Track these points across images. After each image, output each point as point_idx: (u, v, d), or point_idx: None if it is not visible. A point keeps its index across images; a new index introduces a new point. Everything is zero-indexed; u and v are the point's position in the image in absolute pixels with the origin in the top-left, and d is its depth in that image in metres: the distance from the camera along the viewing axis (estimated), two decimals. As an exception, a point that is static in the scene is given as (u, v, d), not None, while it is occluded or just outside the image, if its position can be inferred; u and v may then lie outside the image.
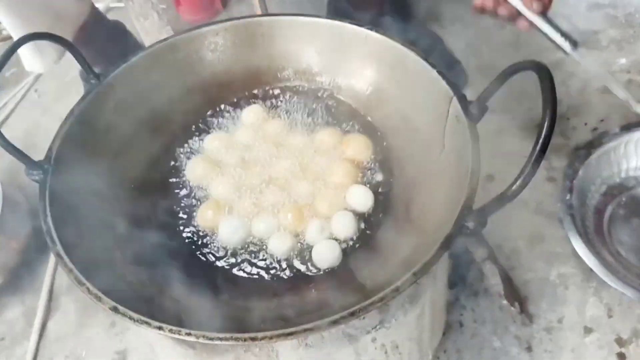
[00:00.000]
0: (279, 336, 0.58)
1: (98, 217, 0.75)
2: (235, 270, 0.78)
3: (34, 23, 1.15)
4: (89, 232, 0.73)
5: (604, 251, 1.20)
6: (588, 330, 1.15)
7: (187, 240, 0.80)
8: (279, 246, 0.78)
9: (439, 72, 0.78)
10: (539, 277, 1.22)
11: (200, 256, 0.79)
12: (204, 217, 0.81)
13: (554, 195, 1.28)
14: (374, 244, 0.78)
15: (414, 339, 0.88)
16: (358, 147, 0.84)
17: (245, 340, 0.58)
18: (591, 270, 1.21)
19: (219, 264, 0.78)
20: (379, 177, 0.84)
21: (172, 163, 0.88)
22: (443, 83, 0.77)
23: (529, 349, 1.15)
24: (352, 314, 0.59)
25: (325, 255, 0.76)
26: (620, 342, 1.14)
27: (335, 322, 0.59)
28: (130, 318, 0.60)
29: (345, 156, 0.85)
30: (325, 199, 0.80)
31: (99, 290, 0.62)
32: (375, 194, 0.82)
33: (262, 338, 0.58)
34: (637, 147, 1.27)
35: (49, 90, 1.80)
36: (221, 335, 0.58)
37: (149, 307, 0.65)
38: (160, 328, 0.59)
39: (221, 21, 0.89)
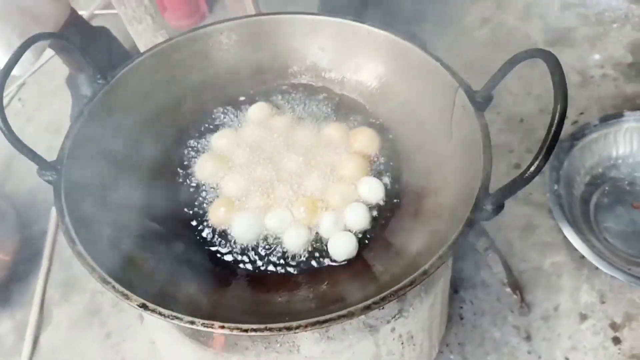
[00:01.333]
0: (314, 324, 0.58)
1: (111, 217, 0.74)
2: (250, 266, 0.77)
3: (8, 27, 1.13)
4: (105, 231, 0.71)
5: (592, 238, 1.23)
6: (583, 317, 1.18)
7: (200, 238, 0.79)
8: (294, 240, 0.77)
9: (443, 64, 0.80)
10: (532, 267, 1.25)
11: (215, 254, 0.78)
12: (216, 215, 0.80)
13: (542, 187, 1.31)
14: (388, 233, 0.78)
15: (426, 329, 0.88)
16: (366, 140, 0.85)
17: (280, 330, 0.58)
18: (582, 257, 1.24)
19: (234, 260, 0.78)
20: (388, 168, 0.85)
21: (180, 162, 0.87)
22: (447, 74, 0.79)
23: (528, 338, 1.17)
24: (384, 299, 0.59)
25: (342, 248, 0.76)
26: (614, 326, 1.16)
27: (368, 307, 0.59)
28: (160, 314, 0.59)
29: (354, 150, 0.85)
30: (337, 191, 0.80)
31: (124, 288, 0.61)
32: (385, 185, 0.83)
33: (297, 327, 0.57)
34: (616, 137, 1.31)
35: (32, 99, 1.75)
36: (255, 326, 0.58)
37: (172, 304, 0.64)
38: (192, 322, 0.58)
39: (225, 20, 0.88)
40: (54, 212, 1.39)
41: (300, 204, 0.80)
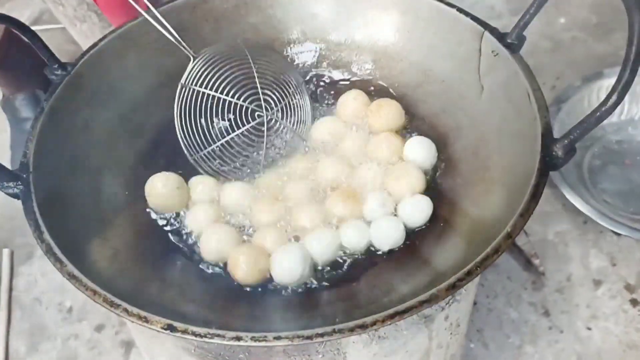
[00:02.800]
0: (392, 316, 0.45)
1: (97, 227, 0.58)
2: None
3: None
4: (94, 244, 0.56)
5: (592, 201, 1.17)
6: (597, 283, 1.12)
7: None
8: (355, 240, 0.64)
9: (460, 10, 0.69)
10: (538, 240, 1.18)
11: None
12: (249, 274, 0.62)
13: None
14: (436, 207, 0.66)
15: (468, 314, 0.78)
16: (391, 114, 0.72)
17: (352, 330, 0.45)
18: (584, 223, 1.19)
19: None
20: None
21: (163, 160, 0.72)
22: (468, 20, 0.69)
23: (546, 313, 1.09)
24: (469, 273, 0.47)
25: (388, 234, 0.63)
26: (629, 288, 1.11)
27: (453, 286, 0.47)
28: (195, 334, 0.45)
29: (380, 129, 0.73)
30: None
31: (140, 309, 0.46)
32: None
33: (374, 323, 0.45)
34: (599, 97, 1.27)
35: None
36: (320, 330, 0.44)
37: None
38: (238, 339, 0.44)
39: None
40: (6, 253, 1.19)
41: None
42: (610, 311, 1.08)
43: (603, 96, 1.29)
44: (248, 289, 0.61)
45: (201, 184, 0.69)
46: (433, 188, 0.68)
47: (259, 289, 0.61)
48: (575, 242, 1.17)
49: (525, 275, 1.13)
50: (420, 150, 0.68)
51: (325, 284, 0.61)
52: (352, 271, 0.63)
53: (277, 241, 0.63)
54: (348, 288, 0.62)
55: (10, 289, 1.17)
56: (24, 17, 1.74)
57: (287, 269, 0.60)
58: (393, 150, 0.70)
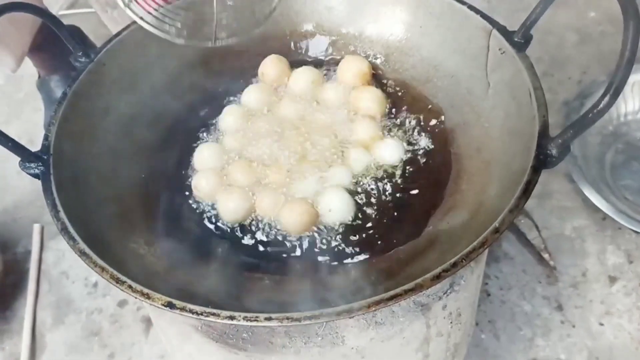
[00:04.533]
0: (378, 303, 0.48)
1: (111, 210, 0.63)
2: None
3: None
4: (107, 224, 0.60)
5: (613, 198, 1.17)
6: (612, 279, 1.12)
7: (217, 230, 0.69)
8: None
9: (470, 7, 0.71)
10: (555, 234, 1.18)
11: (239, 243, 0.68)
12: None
13: (554, 151, 1.24)
14: (427, 201, 0.69)
15: (471, 306, 0.80)
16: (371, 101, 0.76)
17: (339, 314, 0.48)
18: (603, 219, 1.18)
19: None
20: (421, 130, 0.75)
21: (179, 146, 0.76)
22: (477, 17, 0.70)
23: (560, 307, 1.10)
24: (455, 265, 0.50)
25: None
26: (646, 285, 1.11)
27: (438, 277, 0.49)
28: (192, 312, 0.49)
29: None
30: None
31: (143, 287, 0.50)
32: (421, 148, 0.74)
33: (359, 309, 0.48)
34: (623, 93, 1.25)
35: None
36: (309, 313, 0.47)
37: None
38: (231, 318, 0.48)
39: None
40: (36, 228, 1.26)
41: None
42: (625, 308, 1.08)
43: (628, 93, 1.30)
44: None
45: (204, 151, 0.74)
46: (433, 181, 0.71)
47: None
48: (593, 237, 1.17)
49: (540, 269, 1.14)
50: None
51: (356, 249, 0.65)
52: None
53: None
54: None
55: (40, 263, 1.24)
56: (60, 2, 1.80)
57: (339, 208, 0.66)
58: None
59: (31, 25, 1.10)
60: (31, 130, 1.49)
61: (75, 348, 1.13)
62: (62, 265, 1.23)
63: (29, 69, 1.33)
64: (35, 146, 0.62)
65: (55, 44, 1.22)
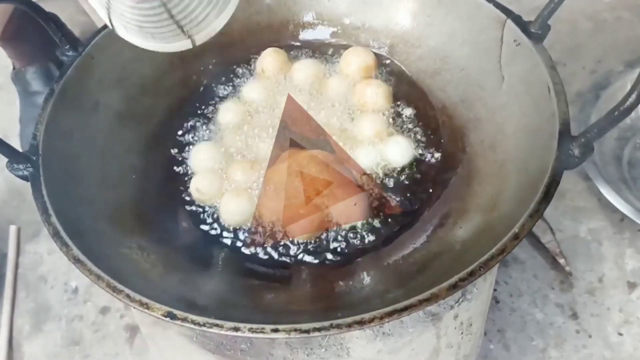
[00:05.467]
0: (391, 314, 0.49)
1: (102, 213, 0.63)
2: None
3: None
4: (100, 228, 0.61)
5: (631, 197, 1.18)
6: (632, 285, 1.13)
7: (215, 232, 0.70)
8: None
9: (483, -4, 0.72)
10: (569, 236, 1.19)
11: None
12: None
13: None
14: (437, 206, 0.70)
15: (482, 315, 0.81)
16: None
17: (349, 325, 0.48)
18: (621, 220, 1.19)
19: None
20: (427, 128, 0.76)
21: (172, 143, 0.77)
22: (490, 7, 0.71)
23: (574, 315, 1.11)
24: (472, 273, 0.51)
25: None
26: (667, 292, 1.12)
27: (454, 286, 0.50)
28: (194, 323, 0.49)
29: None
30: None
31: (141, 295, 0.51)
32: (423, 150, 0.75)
33: (371, 320, 0.49)
34: (643, 85, 1.27)
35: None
36: (318, 325, 0.48)
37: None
38: (236, 329, 0.49)
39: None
40: (12, 230, 1.26)
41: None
42: (645, 317, 1.09)
43: (647, 84, 1.30)
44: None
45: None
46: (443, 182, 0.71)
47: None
48: (610, 240, 1.18)
49: (552, 274, 1.15)
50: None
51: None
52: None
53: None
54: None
55: (16, 267, 1.24)
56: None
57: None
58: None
59: (1, 13, 1.10)
60: (5, 125, 1.48)
61: (54, 358, 1.13)
62: (40, 270, 1.23)
63: (2, 60, 1.33)
64: (10, 142, 0.62)
65: (32, 33, 1.22)
